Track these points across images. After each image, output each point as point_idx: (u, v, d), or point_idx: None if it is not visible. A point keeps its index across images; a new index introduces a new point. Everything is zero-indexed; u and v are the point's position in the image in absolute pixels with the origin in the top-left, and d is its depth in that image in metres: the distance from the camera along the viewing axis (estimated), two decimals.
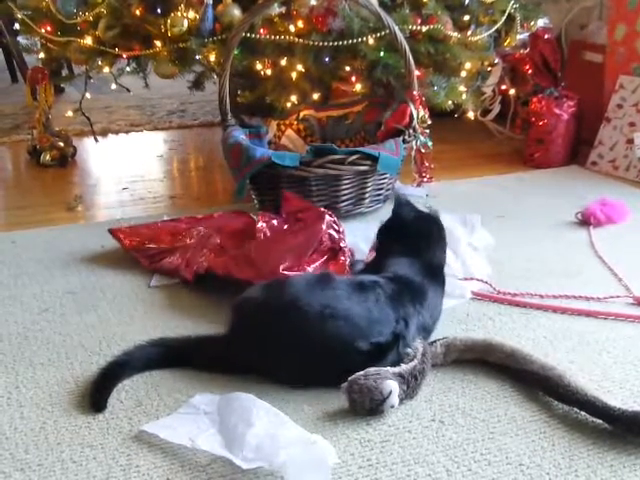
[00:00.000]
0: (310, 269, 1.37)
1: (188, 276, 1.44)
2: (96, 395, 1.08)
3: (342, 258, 1.42)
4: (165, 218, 1.74)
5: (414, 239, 1.31)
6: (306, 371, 1.10)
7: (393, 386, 1.03)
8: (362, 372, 1.04)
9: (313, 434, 0.96)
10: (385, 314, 1.12)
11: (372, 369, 1.05)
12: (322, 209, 1.54)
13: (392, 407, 1.04)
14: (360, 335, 1.09)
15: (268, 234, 1.50)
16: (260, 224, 1.52)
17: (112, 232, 1.61)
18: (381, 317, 1.12)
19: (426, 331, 1.20)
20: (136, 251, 1.56)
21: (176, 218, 1.69)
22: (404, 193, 1.48)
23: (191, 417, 1.01)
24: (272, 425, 0.97)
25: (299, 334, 1.09)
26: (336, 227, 1.48)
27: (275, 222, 1.56)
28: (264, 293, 1.18)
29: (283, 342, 1.09)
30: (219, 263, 1.42)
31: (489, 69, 2.33)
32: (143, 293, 1.44)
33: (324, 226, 1.46)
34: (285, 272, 1.33)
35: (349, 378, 1.04)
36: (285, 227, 1.56)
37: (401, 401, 1.05)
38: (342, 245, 1.45)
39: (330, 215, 1.51)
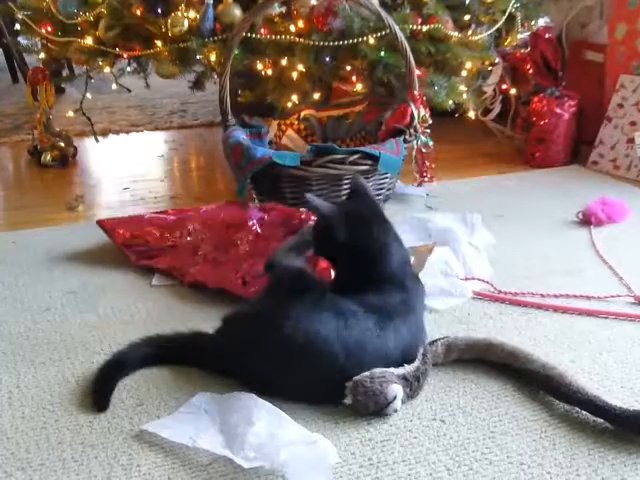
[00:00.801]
0: None
1: (183, 281, 1.45)
2: (98, 394, 1.08)
3: None
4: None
5: (364, 258, 1.18)
6: (287, 392, 1.06)
7: (398, 390, 1.03)
8: (367, 373, 1.03)
9: (314, 433, 0.96)
10: (374, 348, 1.07)
11: (377, 370, 1.04)
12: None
13: (395, 411, 1.03)
14: (348, 373, 1.04)
15: (259, 231, 1.49)
16: (252, 221, 1.51)
17: (100, 224, 1.63)
18: (374, 349, 1.07)
19: (413, 349, 1.13)
20: (125, 247, 1.57)
21: (163, 211, 1.69)
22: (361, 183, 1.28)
23: (192, 416, 1.01)
24: (273, 424, 0.97)
25: (282, 359, 1.05)
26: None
27: (266, 217, 1.54)
28: (257, 305, 1.15)
29: (265, 362, 1.06)
30: (211, 276, 1.42)
31: (490, 69, 2.33)
32: (144, 292, 1.44)
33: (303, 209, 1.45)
34: None
35: (354, 378, 1.03)
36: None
37: (403, 402, 1.05)
38: None
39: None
